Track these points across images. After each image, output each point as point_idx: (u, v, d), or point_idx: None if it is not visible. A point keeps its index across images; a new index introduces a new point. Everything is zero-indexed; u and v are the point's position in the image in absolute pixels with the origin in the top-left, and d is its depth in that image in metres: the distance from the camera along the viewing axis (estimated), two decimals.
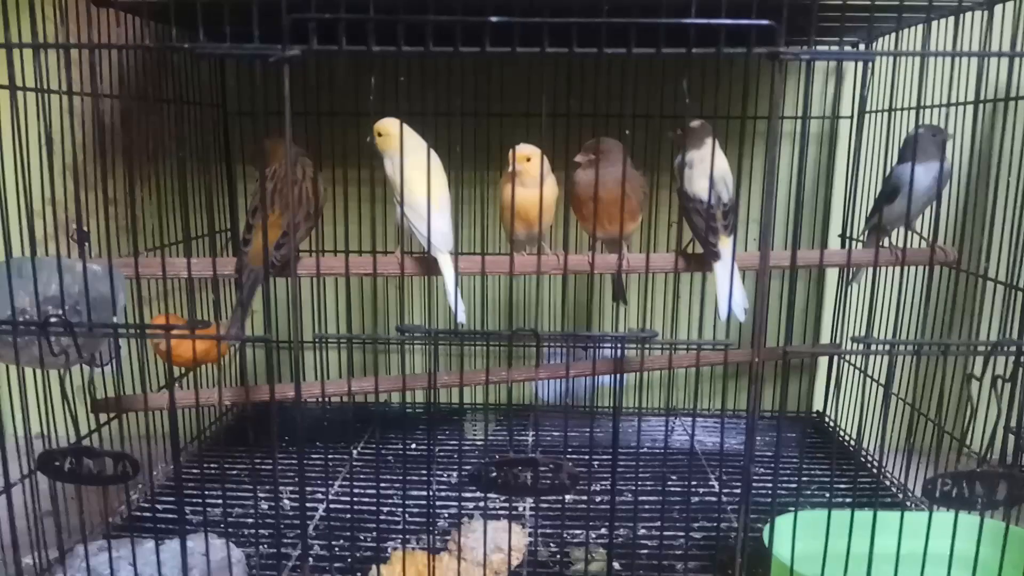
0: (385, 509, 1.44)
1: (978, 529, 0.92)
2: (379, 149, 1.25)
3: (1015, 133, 1.27)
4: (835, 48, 1.80)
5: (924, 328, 0.95)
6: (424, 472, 1.61)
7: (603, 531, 1.36)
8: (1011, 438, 0.97)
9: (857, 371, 1.74)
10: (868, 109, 1.66)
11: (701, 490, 1.56)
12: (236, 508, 1.43)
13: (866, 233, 1.55)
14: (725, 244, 1.24)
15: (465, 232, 1.85)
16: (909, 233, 1.39)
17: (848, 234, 1.75)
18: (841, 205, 1.79)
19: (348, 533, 1.33)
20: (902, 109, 1.46)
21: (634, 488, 1.53)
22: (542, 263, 1.22)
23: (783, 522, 1.11)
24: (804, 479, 1.57)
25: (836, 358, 1.75)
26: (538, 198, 1.24)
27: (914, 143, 1.25)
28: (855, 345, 0.91)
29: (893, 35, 1.60)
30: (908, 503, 1.44)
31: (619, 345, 1.29)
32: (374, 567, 1.16)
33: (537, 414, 1.92)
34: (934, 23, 1.28)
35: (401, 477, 1.58)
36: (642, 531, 1.37)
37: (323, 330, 1.82)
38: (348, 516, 1.39)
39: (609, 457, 1.64)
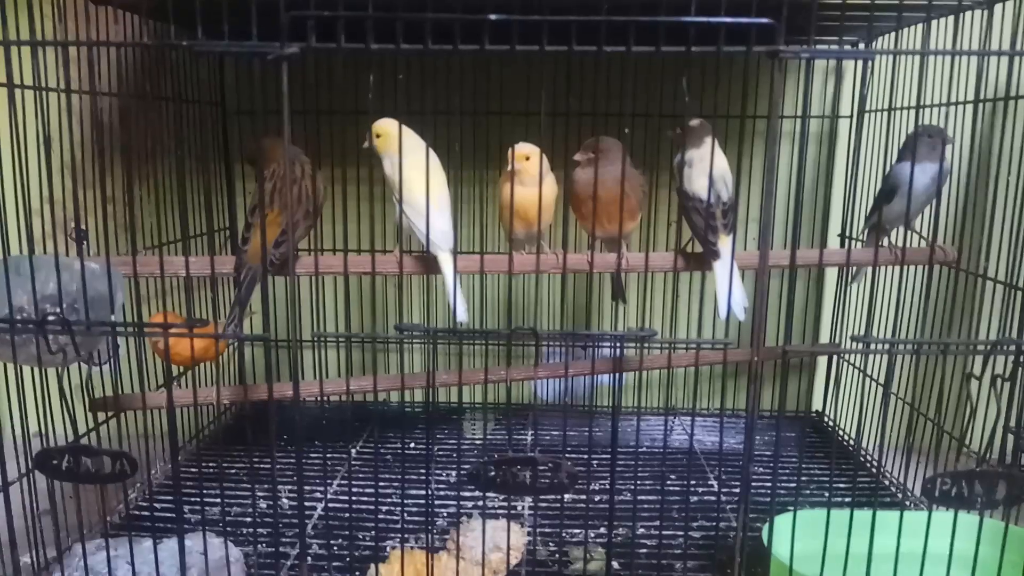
0: (384, 508, 1.44)
1: (977, 528, 0.92)
2: (377, 150, 1.24)
3: (1015, 132, 1.27)
4: (835, 47, 1.80)
5: (923, 327, 0.95)
6: (423, 471, 1.61)
7: (602, 530, 1.36)
8: (1010, 437, 0.97)
9: (856, 370, 1.74)
10: (868, 108, 1.66)
11: (700, 489, 1.56)
12: (234, 507, 1.43)
13: (866, 232, 1.55)
14: (724, 243, 1.24)
15: (464, 231, 1.85)
16: (908, 232, 1.39)
17: (848, 233, 1.75)
18: (840, 204, 1.79)
19: (347, 532, 1.32)
20: (902, 108, 1.45)
21: (633, 487, 1.53)
22: (541, 262, 1.22)
23: (782, 521, 1.11)
24: (803, 478, 1.57)
25: (835, 357, 1.76)
26: (537, 197, 1.24)
27: (914, 143, 1.25)
28: (854, 344, 0.91)
29: (893, 34, 1.60)
30: (907, 502, 1.44)
31: (618, 344, 1.28)
32: (373, 566, 1.16)
33: (536, 413, 1.92)
34: (934, 22, 1.28)
35: (400, 476, 1.58)
36: (641, 530, 1.37)
37: (322, 329, 1.82)
38: (347, 515, 1.38)
39: (608, 456, 1.64)
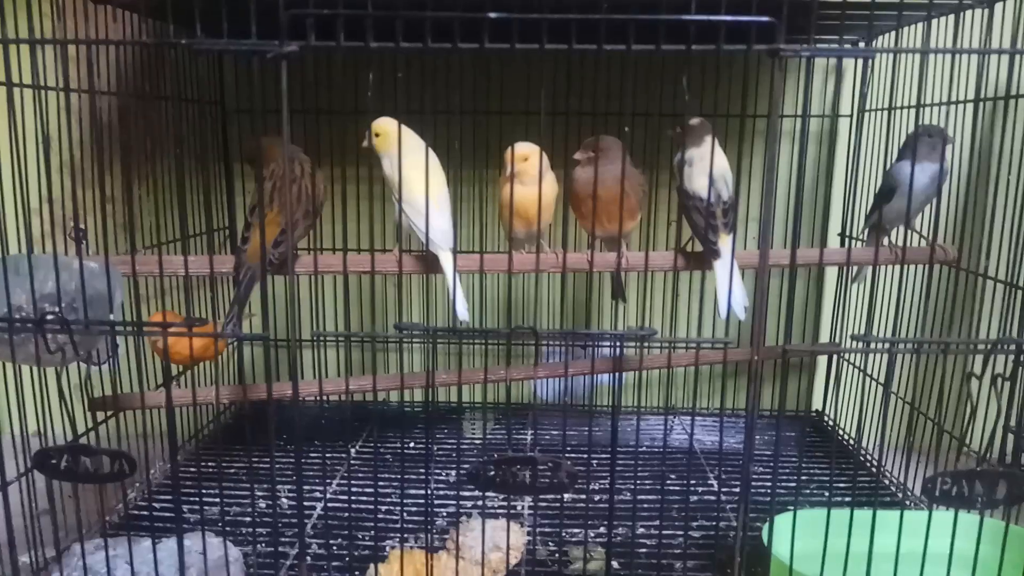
0: (383, 508, 1.44)
1: (978, 528, 0.92)
2: (376, 149, 1.24)
3: (1015, 132, 1.26)
4: (835, 46, 1.80)
5: (924, 327, 0.95)
6: (422, 471, 1.61)
7: (602, 530, 1.36)
8: (1011, 437, 0.97)
9: (856, 370, 1.73)
10: (868, 107, 1.65)
11: (700, 489, 1.56)
12: (233, 507, 1.43)
13: (866, 232, 1.55)
14: (725, 242, 1.23)
15: (464, 230, 1.85)
16: (909, 232, 1.38)
17: (848, 233, 1.75)
18: (841, 204, 1.79)
19: (346, 532, 1.32)
20: (902, 108, 1.45)
21: (633, 487, 1.53)
22: (541, 261, 1.22)
23: (782, 521, 1.10)
24: (803, 478, 1.57)
25: (835, 357, 1.75)
26: (537, 196, 1.24)
27: (914, 143, 1.25)
28: (855, 344, 0.91)
29: (893, 33, 1.60)
30: (907, 502, 1.44)
31: (618, 343, 1.28)
32: (372, 566, 1.15)
33: (536, 413, 1.92)
34: (934, 21, 1.28)
35: (399, 476, 1.58)
36: (641, 530, 1.37)
37: (321, 328, 1.82)
38: (346, 515, 1.38)
39: (608, 456, 1.64)
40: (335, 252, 1.81)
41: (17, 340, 0.94)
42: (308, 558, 1.25)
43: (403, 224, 1.23)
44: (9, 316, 0.93)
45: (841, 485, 1.55)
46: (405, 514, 1.42)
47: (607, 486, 1.51)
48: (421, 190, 1.02)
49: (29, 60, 0.89)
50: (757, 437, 1.80)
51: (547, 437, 1.80)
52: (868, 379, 1.65)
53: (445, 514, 1.42)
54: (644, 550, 1.30)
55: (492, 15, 0.78)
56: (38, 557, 1.10)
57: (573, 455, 1.59)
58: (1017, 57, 0.93)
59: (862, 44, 1.74)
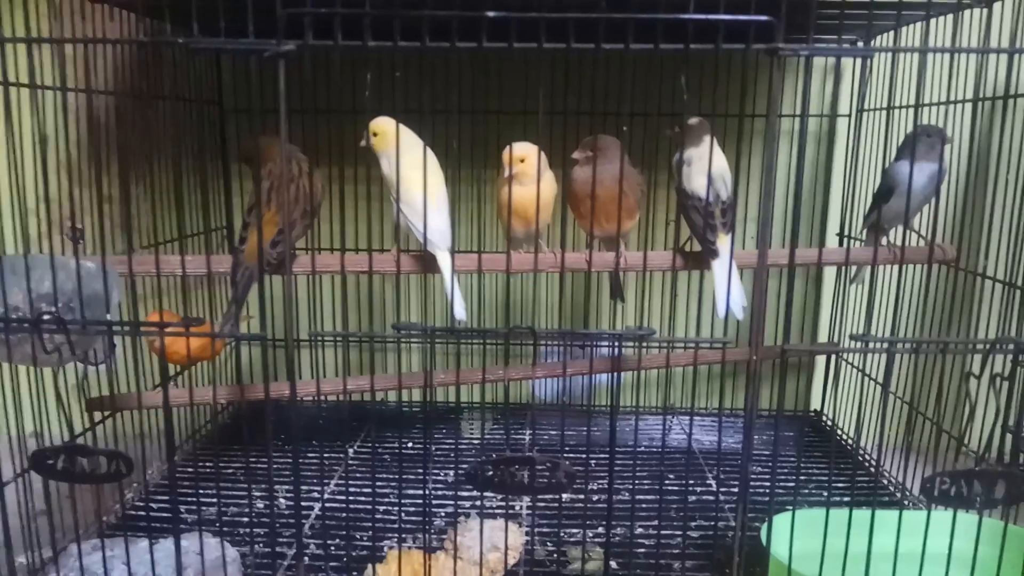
0: (381, 508, 1.44)
1: (976, 528, 0.92)
2: (374, 149, 1.24)
3: (1014, 131, 1.26)
4: (834, 45, 1.80)
5: (922, 326, 0.95)
6: (420, 471, 1.61)
7: (600, 530, 1.36)
8: (1009, 437, 0.97)
9: (855, 370, 1.73)
10: (866, 107, 1.65)
11: (699, 489, 1.55)
12: (231, 507, 1.42)
13: (865, 232, 1.55)
14: (723, 242, 1.23)
15: (462, 230, 1.84)
16: (907, 231, 1.38)
17: (847, 232, 1.75)
18: (839, 203, 1.79)
19: (344, 532, 1.32)
20: (901, 107, 1.45)
21: (631, 487, 1.53)
22: (539, 261, 1.22)
23: (781, 521, 1.10)
24: (802, 478, 1.57)
25: (834, 356, 1.75)
26: (535, 196, 1.24)
27: (912, 142, 1.25)
28: (853, 343, 0.91)
29: (892, 33, 1.60)
30: (906, 502, 1.44)
31: (616, 343, 1.28)
32: (370, 566, 1.15)
33: (534, 413, 1.92)
34: (933, 20, 1.28)
35: (397, 476, 1.57)
36: (639, 530, 1.37)
37: (319, 328, 1.81)
38: (344, 515, 1.38)
39: (606, 456, 1.64)
40: (333, 252, 1.80)
41: (14, 340, 0.94)
42: (306, 558, 1.25)
43: (401, 224, 1.23)
44: (5, 316, 0.93)
45: (840, 485, 1.55)
46: (403, 514, 1.42)
47: (605, 486, 1.51)
48: (419, 189, 1.02)
49: (26, 59, 0.88)
50: (756, 437, 1.79)
51: (545, 437, 1.80)
52: (867, 379, 1.65)
53: (443, 514, 1.42)
54: (642, 550, 1.30)
55: (490, 14, 0.78)
56: (35, 558, 1.09)
57: (571, 455, 1.59)
58: (1016, 56, 0.93)
59: (861, 44, 1.74)
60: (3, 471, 0.99)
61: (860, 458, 1.65)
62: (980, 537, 0.92)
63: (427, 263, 1.25)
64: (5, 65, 0.88)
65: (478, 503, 1.42)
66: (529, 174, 1.25)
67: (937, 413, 1.08)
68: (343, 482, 1.53)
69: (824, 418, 1.88)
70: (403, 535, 1.34)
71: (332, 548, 1.29)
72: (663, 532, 1.35)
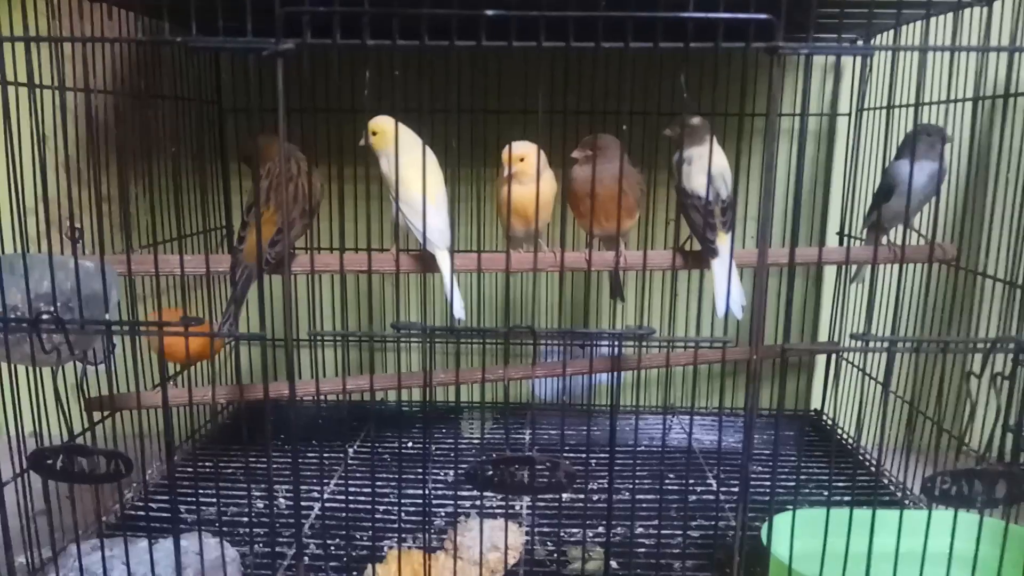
0: (381, 508, 1.44)
1: (977, 527, 0.92)
2: (373, 148, 1.24)
3: (1014, 130, 1.26)
4: (834, 44, 1.80)
5: (923, 325, 0.95)
6: (420, 471, 1.60)
7: (600, 530, 1.36)
8: (1010, 436, 0.96)
9: (855, 369, 1.73)
10: (866, 106, 1.65)
11: (699, 488, 1.55)
12: (231, 507, 1.42)
13: (865, 231, 1.55)
14: (723, 241, 1.23)
15: (461, 229, 1.84)
16: (908, 230, 1.38)
17: (847, 232, 1.74)
18: (839, 202, 1.79)
19: (343, 532, 1.32)
20: (901, 106, 1.45)
21: (631, 486, 1.52)
22: (539, 260, 1.22)
23: (781, 520, 1.10)
24: (802, 477, 1.57)
25: (834, 356, 1.75)
26: (535, 195, 1.24)
27: (912, 141, 1.25)
28: (854, 343, 0.91)
29: (892, 32, 1.59)
30: (907, 501, 1.44)
31: (616, 343, 1.28)
32: (370, 566, 1.15)
33: (534, 412, 1.92)
34: (933, 19, 1.28)
35: (397, 476, 1.57)
36: (639, 530, 1.36)
37: (318, 328, 1.81)
38: (343, 515, 1.38)
39: (606, 455, 1.64)
40: (332, 251, 1.80)
41: (12, 340, 0.94)
42: (305, 558, 1.25)
43: (400, 223, 1.22)
44: (4, 316, 0.93)
45: (840, 484, 1.55)
46: (403, 514, 1.42)
47: (605, 486, 1.51)
48: (418, 189, 1.01)
49: (24, 58, 0.88)
50: (756, 436, 1.79)
51: (545, 437, 1.80)
52: (867, 378, 1.65)
53: (443, 514, 1.42)
54: (643, 550, 1.30)
55: (489, 12, 0.78)
56: (34, 558, 1.09)
57: (571, 455, 1.59)
58: (1016, 55, 0.93)
59: (861, 42, 1.74)
60: (2, 471, 0.99)
61: (860, 457, 1.65)
62: (981, 537, 0.92)
63: (426, 262, 1.24)
64: (3, 64, 0.88)
65: (478, 503, 1.42)
66: (529, 173, 1.25)
67: (938, 412, 1.08)
68: (343, 482, 1.53)
69: (824, 417, 1.88)
70: (403, 535, 1.34)
71: (332, 548, 1.28)
72: (663, 532, 1.35)
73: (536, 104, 0.89)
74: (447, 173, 1.28)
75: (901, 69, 1.05)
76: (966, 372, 1.05)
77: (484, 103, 1.72)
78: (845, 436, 1.78)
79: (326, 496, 1.47)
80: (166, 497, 1.45)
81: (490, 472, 0.91)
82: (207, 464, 1.61)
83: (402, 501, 1.46)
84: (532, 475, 0.91)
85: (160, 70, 1.55)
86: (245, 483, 1.50)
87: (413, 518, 1.41)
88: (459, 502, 1.45)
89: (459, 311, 1.19)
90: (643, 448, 1.76)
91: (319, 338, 1.91)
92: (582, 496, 1.43)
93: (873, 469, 1.56)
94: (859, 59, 1.69)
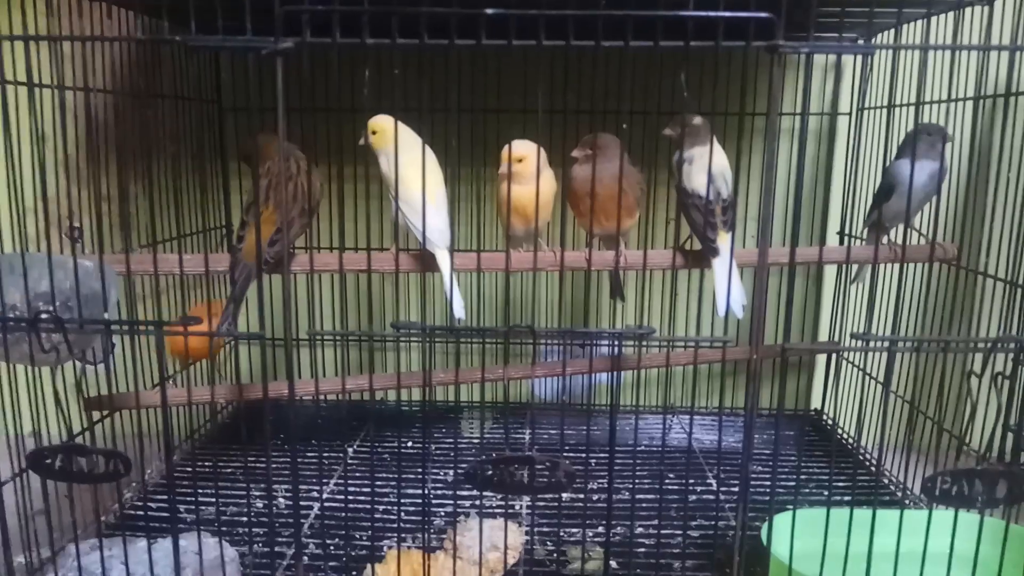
0: (380, 508, 1.44)
1: (978, 527, 0.91)
2: (373, 147, 1.24)
3: (1015, 129, 1.26)
4: (834, 43, 1.80)
5: (923, 325, 0.95)
6: (420, 470, 1.60)
7: (600, 529, 1.36)
8: (1011, 436, 0.96)
9: (856, 368, 1.73)
10: (867, 105, 1.65)
11: (699, 488, 1.55)
12: (230, 507, 1.42)
13: (866, 230, 1.55)
14: (724, 240, 1.23)
15: (461, 228, 1.84)
16: (908, 230, 1.38)
17: (847, 231, 1.74)
18: (840, 202, 1.78)
19: (343, 532, 1.32)
20: (901, 105, 1.45)
21: (631, 486, 1.52)
22: (539, 260, 1.22)
23: (781, 520, 1.10)
24: (802, 477, 1.57)
25: (835, 355, 1.75)
26: (535, 194, 1.23)
27: (913, 141, 1.25)
28: (854, 342, 0.90)
29: (892, 31, 1.59)
30: (907, 501, 1.44)
31: (616, 342, 1.28)
32: (369, 566, 1.15)
33: (533, 412, 1.91)
34: (934, 18, 1.28)
35: (396, 475, 1.57)
36: (639, 529, 1.36)
37: (318, 327, 1.81)
38: (343, 515, 1.38)
39: (606, 455, 1.64)
40: (332, 251, 1.80)
41: (11, 339, 0.94)
42: (305, 558, 1.25)
43: (400, 222, 1.22)
44: (3, 315, 0.93)
45: (840, 484, 1.55)
46: (402, 514, 1.41)
47: (605, 485, 1.51)
48: (418, 188, 1.01)
49: (23, 57, 0.88)
50: (756, 436, 1.79)
51: (545, 436, 1.80)
52: (868, 378, 1.65)
53: (443, 514, 1.42)
54: (643, 550, 1.30)
55: (489, 11, 0.78)
56: (33, 558, 1.09)
57: (571, 454, 1.58)
58: (1017, 54, 0.93)
59: (861, 41, 1.74)
60: (1, 471, 0.99)
61: (861, 457, 1.65)
62: (981, 536, 0.91)
63: (426, 262, 1.24)
64: (2, 63, 0.88)
65: (477, 503, 1.42)
66: (528, 172, 1.25)
67: (938, 412, 1.08)
68: (342, 482, 1.53)
69: (825, 417, 1.88)
70: (402, 535, 1.34)
71: (331, 548, 1.28)
72: (663, 532, 1.35)
73: (536, 103, 0.89)
74: (447, 172, 1.27)
75: (902, 68, 1.04)
76: (967, 372, 1.05)
77: (484, 102, 1.71)
78: (845, 436, 1.78)
79: (325, 496, 1.47)
80: (165, 497, 1.45)
81: (490, 472, 0.91)
82: (206, 464, 1.61)
83: (401, 501, 1.46)
84: (532, 475, 0.91)
85: (160, 69, 1.55)
86: (244, 483, 1.50)
87: (413, 518, 1.41)
88: (459, 502, 1.45)
89: (459, 311, 1.19)
90: (643, 448, 1.76)
91: (318, 337, 1.91)
92: (582, 496, 1.43)
93: (873, 469, 1.56)
94: (860, 58, 1.69)
